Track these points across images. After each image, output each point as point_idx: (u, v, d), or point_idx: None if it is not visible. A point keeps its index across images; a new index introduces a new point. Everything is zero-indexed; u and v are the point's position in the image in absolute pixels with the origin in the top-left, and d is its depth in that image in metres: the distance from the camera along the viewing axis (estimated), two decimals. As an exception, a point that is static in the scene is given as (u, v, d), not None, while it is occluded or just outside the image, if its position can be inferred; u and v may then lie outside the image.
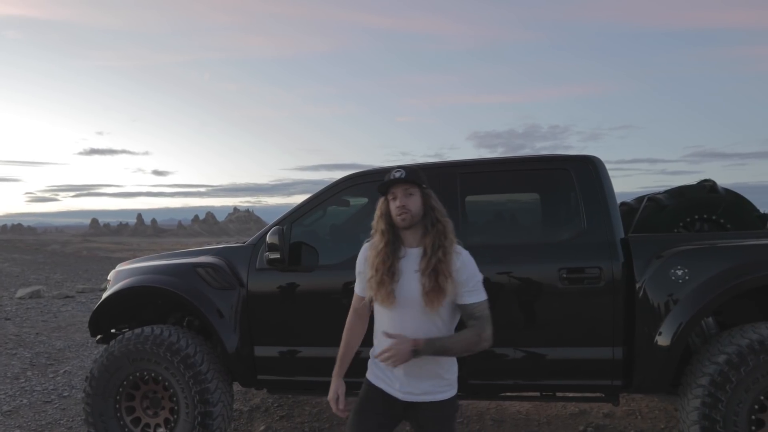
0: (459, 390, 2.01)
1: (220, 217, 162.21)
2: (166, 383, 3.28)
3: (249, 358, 3.31)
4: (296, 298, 3.28)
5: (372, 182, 3.46)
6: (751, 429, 2.63)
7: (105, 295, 3.61)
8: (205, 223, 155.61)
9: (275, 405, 4.40)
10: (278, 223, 3.37)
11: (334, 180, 3.51)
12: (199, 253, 3.70)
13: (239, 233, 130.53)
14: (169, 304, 3.68)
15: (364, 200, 3.78)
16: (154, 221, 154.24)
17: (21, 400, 4.56)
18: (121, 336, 3.41)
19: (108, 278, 3.93)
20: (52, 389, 4.87)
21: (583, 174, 3.04)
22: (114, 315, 3.72)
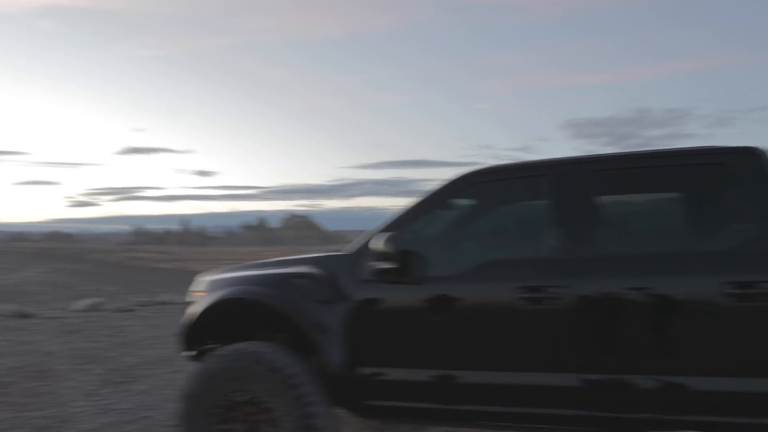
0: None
1: (273, 223, 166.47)
2: (265, 405, 3.45)
3: (354, 380, 3.45)
4: (409, 313, 3.41)
5: (494, 182, 3.59)
6: None
7: (197, 308, 3.88)
8: (257, 229, 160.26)
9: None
10: (385, 228, 3.51)
11: (446, 179, 3.61)
12: (294, 263, 3.92)
13: (296, 242, 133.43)
14: (259, 318, 3.84)
15: (471, 202, 3.90)
16: (200, 228, 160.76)
17: (101, 419, 5.00)
18: (214, 352, 3.67)
19: (191, 290, 4.25)
20: (131, 408, 5.30)
21: (748, 168, 2.98)
22: (201, 329, 3.98)
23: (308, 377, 3.43)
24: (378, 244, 3.31)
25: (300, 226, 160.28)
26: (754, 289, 2.79)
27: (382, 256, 3.33)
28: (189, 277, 4.79)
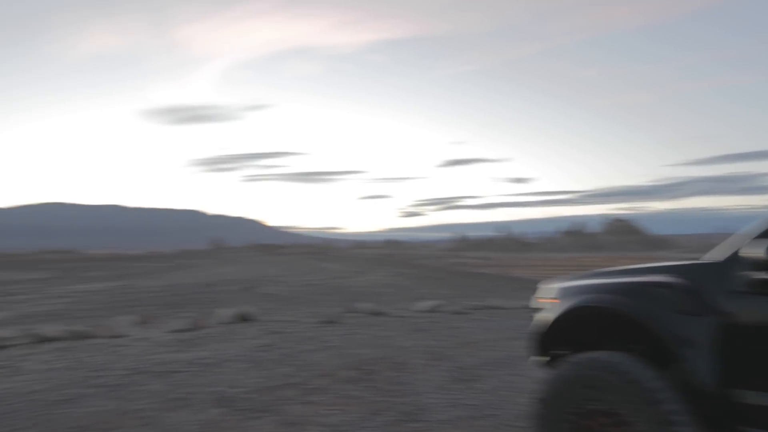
0: None
1: (592, 227, 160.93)
2: (622, 418, 3.38)
3: (727, 403, 3.16)
4: None
5: None
6: None
7: (549, 315, 3.99)
8: (575, 235, 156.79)
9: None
10: (762, 232, 3.17)
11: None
12: (647, 271, 3.76)
13: (618, 247, 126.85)
14: (611, 328, 3.79)
15: None
16: (518, 234, 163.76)
17: (452, 412, 5.43)
18: (568, 359, 3.72)
19: (537, 297, 4.36)
20: (477, 405, 5.64)
21: None
22: (553, 336, 4.08)
23: (671, 394, 3.27)
24: (756, 251, 3.01)
25: (622, 231, 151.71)
26: None
27: (761, 265, 3.01)
28: (511, 282, 4.99)
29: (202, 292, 23.23)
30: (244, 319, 11.33)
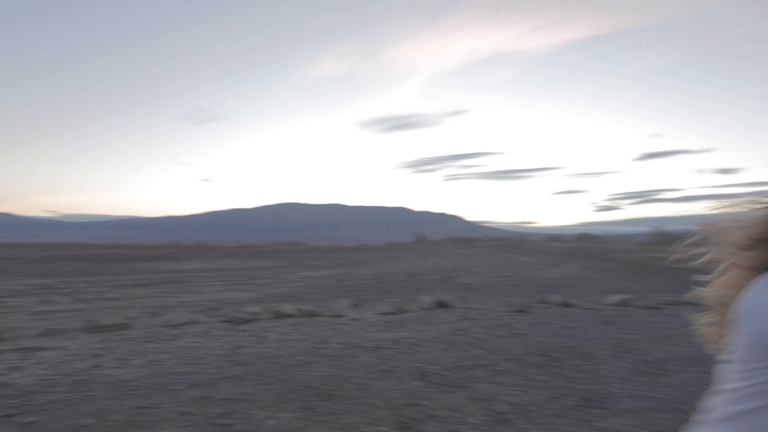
0: None
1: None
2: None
3: None
4: None
5: None
6: None
7: None
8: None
9: None
10: None
11: None
12: None
13: None
14: None
15: None
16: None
17: (636, 403, 5.23)
18: None
19: None
20: (663, 399, 5.37)
21: None
22: None
23: None
24: None
25: None
26: None
27: None
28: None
29: (406, 280, 24.31)
30: (442, 305, 11.77)
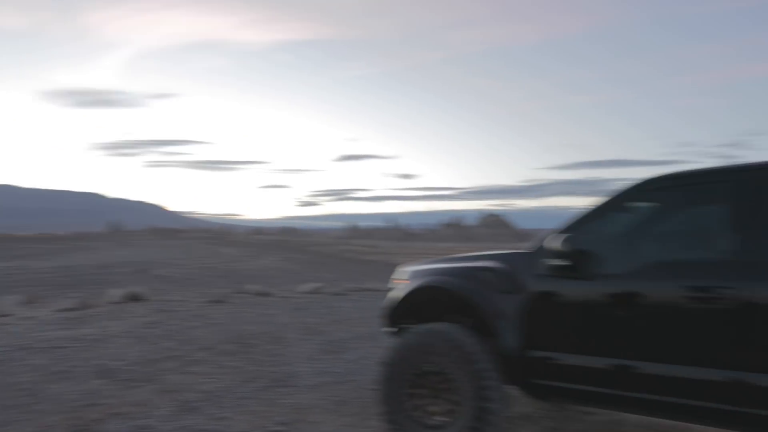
0: None
1: (469, 221, 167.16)
2: (448, 376, 3.77)
3: (526, 361, 3.65)
4: (580, 306, 3.53)
5: (674, 187, 3.56)
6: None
7: (399, 293, 4.34)
8: (454, 227, 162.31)
9: (545, 416, 4.66)
10: (562, 229, 3.65)
11: (631, 181, 3.64)
12: (480, 258, 4.20)
13: (491, 239, 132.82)
14: (449, 304, 4.14)
15: (649, 205, 3.83)
16: (404, 225, 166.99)
17: (319, 378, 5.69)
18: (411, 330, 4.08)
19: (393, 278, 4.70)
20: (342, 372, 5.93)
21: None
22: (401, 311, 4.43)
23: (486, 355, 3.70)
24: (553, 243, 3.49)
25: (494, 225, 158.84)
26: None
27: (557, 254, 3.49)
28: (393, 268, 5.28)
29: (96, 273, 22.08)
30: (134, 298, 11.01)
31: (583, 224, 3.63)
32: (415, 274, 4.39)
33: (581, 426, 4.43)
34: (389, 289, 4.65)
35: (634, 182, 3.62)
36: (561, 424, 4.47)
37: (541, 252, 3.68)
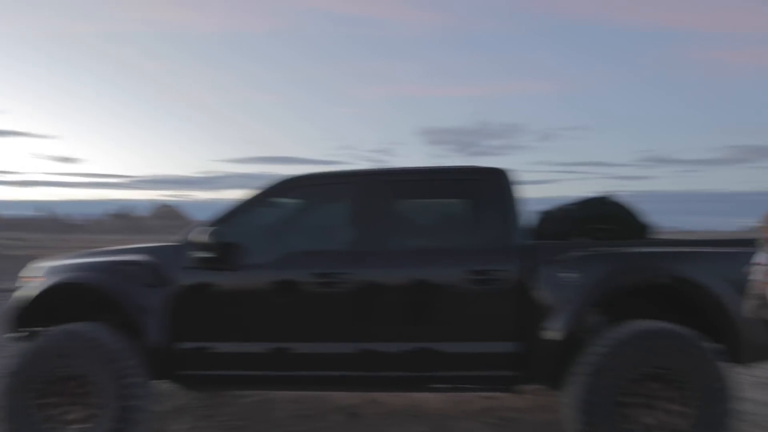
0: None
1: (141, 212, 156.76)
2: (87, 379, 3.53)
3: (171, 354, 3.66)
4: (223, 295, 3.69)
5: (314, 186, 3.99)
6: (617, 410, 3.23)
7: (30, 292, 3.83)
8: (123, 218, 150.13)
9: (199, 406, 4.74)
10: (207, 222, 3.75)
11: (274, 178, 3.94)
12: (127, 252, 4.02)
13: (163, 230, 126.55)
14: (90, 302, 3.88)
15: (291, 201, 4.23)
16: (60, 215, 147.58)
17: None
18: (45, 332, 3.66)
19: (22, 276, 4.12)
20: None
21: (491, 184, 3.64)
22: (34, 312, 3.86)
23: (129, 353, 3.56)
24: (199, 236, 3.58)
25: (168, 216, 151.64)
26: (483, 276, 3.45)
27: (203, 246, 3.59)
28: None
29: None
30: None
31: (230, 218, 3.79)
32: (53, 270, 3.95)
33: (235, 409, 4.61)
34: (17, 288, 4.08)
35: (277, 180, 3.95)
36: (215, 411, 4.58)
37: (188, 245, 3.71)
